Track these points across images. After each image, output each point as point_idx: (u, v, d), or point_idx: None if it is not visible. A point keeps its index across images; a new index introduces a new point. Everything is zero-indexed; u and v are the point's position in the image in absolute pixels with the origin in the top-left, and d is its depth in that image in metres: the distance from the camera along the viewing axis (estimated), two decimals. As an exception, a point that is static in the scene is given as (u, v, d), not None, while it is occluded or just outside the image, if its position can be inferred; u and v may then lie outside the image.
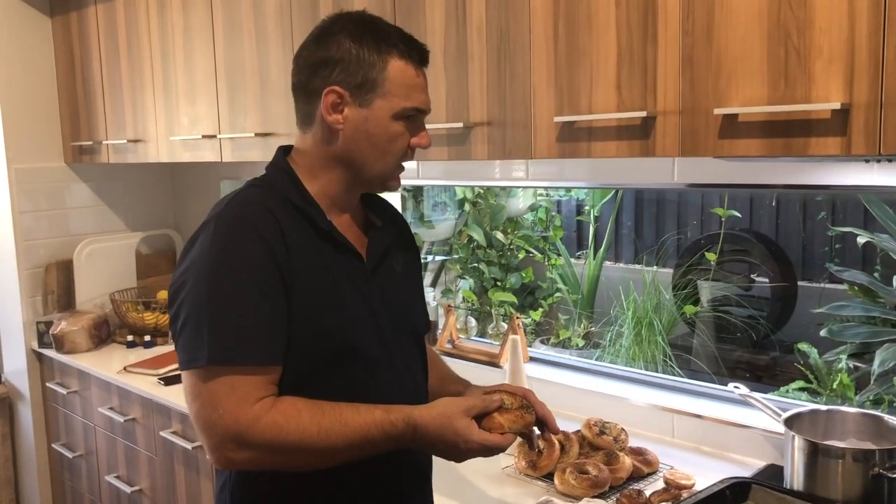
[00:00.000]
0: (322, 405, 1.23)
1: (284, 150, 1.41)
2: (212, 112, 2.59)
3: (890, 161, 1.53)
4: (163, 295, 3.31)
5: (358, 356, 1.32)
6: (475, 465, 1.72)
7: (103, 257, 3.37)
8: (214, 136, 2.59)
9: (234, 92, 2.50)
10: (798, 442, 1.60)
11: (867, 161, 1.59)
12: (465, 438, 1.24)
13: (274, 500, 1.33)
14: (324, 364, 1.29)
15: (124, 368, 2.84)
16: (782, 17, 1.31)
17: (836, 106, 1.25)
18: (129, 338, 3.17)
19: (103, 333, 3.22)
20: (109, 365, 2.93)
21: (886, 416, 1.66)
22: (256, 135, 2.41)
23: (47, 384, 3.25)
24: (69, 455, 3.15)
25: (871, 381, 3.25)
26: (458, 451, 1.26)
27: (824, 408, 1.75)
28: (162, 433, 2.59)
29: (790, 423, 1.66)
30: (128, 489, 2.81)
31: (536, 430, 1.40)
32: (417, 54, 1.34)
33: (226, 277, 1.22)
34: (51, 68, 3.32)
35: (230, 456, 1.21)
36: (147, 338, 3.15)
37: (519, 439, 1.37)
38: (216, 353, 1.19)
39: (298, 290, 1.25)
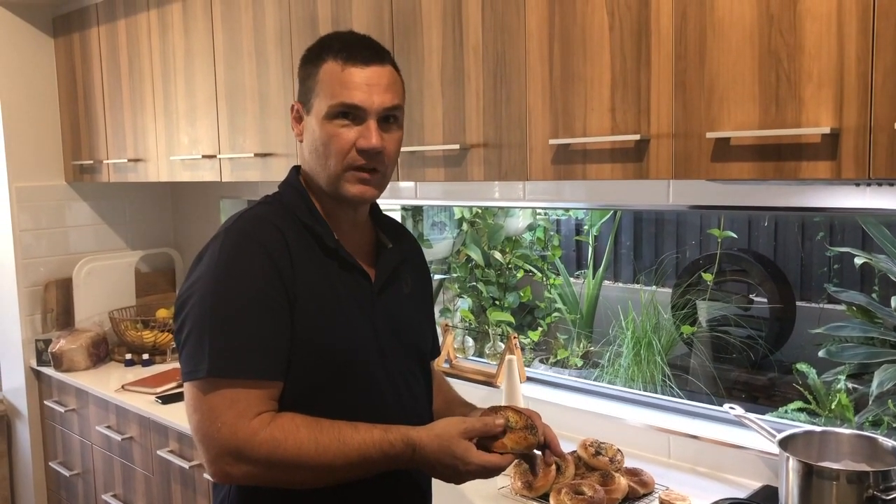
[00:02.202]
0: (321, 422, 1.23)
1: (298, 169, 1.43)
2: (212, 132, 2.61)
3: (880, 185, 1.55)
4: (162, 313, 3.32)
5: (358, 375, 1.33)
6: (472, 484, 1.71)
7: (103, 275, 3.39)
8: (214, 156, 2.61)
9: (234, 113, 2.52)
10: (792, 463, 1.60)
11: (857, 185, 1.61)
12: (464, 460, 1.24)
13: None
14: (324, 382, 1.30)
15: (122, 387, 2.84)
16: (773, 42, 1.33)
17: (826, 130, 1.27)
18: (128, 356, 3.17)
19: (102, 352, 3.22)
20: (107, 383, 2.93)
21: (881, 438, 1.66)
22: (256, 155, 2.43)
23: (45, 402, 3.25)
24: (66, 473, 3.14)
25: (870, 402, 3.25)
26: (457, 473, 1.26)
27: (819, 429, 1.76)
28: (159, 452, 2.58)
29: (784, 444, 1.66)
30: (124, 508, 2.81)
31: (538, 453, 1.39)
32: (352, 52, 1.31)
33: (230, 291, 1.24)
34: (53, 88, 3.35)
35: (227, 470, 1.21)
36: (145, 356, 3.15)
37: (517, 459, 1.36)
38: (217, 365, 1.20)
39: (301, 306, 1.27)
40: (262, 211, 1.35)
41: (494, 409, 1.35)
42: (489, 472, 1.26)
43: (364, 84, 1.30)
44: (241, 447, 1.19)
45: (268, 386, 1.24)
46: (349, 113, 1.30)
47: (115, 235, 3.56)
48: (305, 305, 1.27)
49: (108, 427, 2.85)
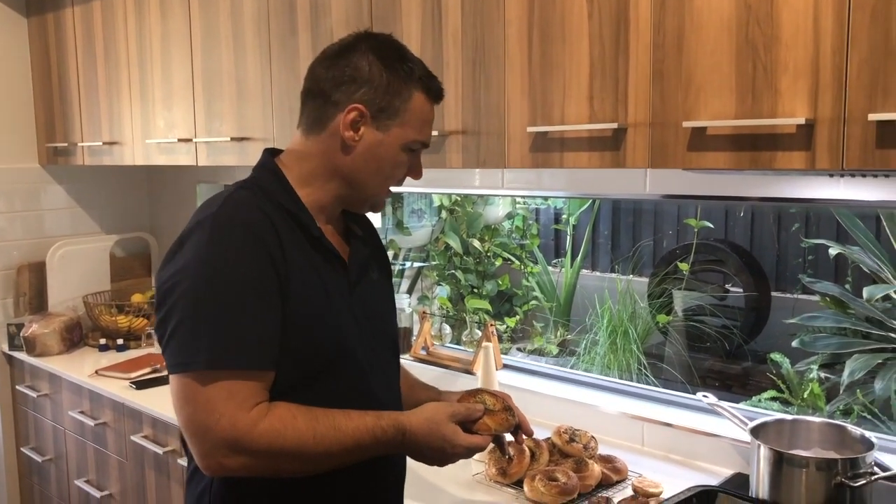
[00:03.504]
0: (315, 411, 1.24)
1: (272, 153, 1.40)
2: (188, 116, 2.59)
3: (853, 176, 1.56)
4: (137, 298, 3.30)
5: (346, 364, 1.33)
6: (446, 471, 1.72)
7: (77, 260, 3.35)
8: (190, 140, 2.59)
9: (211, 97, 2.50)
10: (763, 451, 1.62)
11: (831, 175, 1.62)
12: (452, 443, 1.30)
13: None
14: (315, 372, 1.29)
15: (96, 372, 2.82)
16: (750, 32, 1.34)
17: (801, 121, 1.28)
18: (102, 341, 3.15)
19: (75, 336, 3.19)
20: (81, 368, 2.90)
21: (850, 426, 1.68)
22: (232, 139, 2.41)
23: (17, 387, 3.22)
24: (38, 459, 3.11)
25: (841, 391, 3.30)
26: (445, 455, 1.31)
27: (790, 417, 1.78)
28: (133, 437, 2.57)
29: (756, 432, 1.68)
30: (97, 494, 2.79)
31: (508, 437, 1.44)
32: (436, 92, 1.37)
33: (224, 280, 1.20)
34: (26, 69, 3.29)
35: (223, 462, 1.19)
36: (120, 341, 3.13)
37: (491, 445, 1.39)
38: (214, 356, 1.18)
39: (293, 296, 1.25)
40: (245, 196, 1.30)
41: (470, 393, 1.42)
42: (473, 452, 1.34)
43: (433, 123, 1.41)
44: (240, 439, 1.18)
45: (263, 376, 1.22)
46: (418, 148, 1.38)
47: (90, 219, 3.52)
48: (296, 295, 1.25)
49: (82, 412, 2.82)
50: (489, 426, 1.35)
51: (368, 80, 1.30)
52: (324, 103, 1.33)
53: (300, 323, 1.26)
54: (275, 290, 1.23)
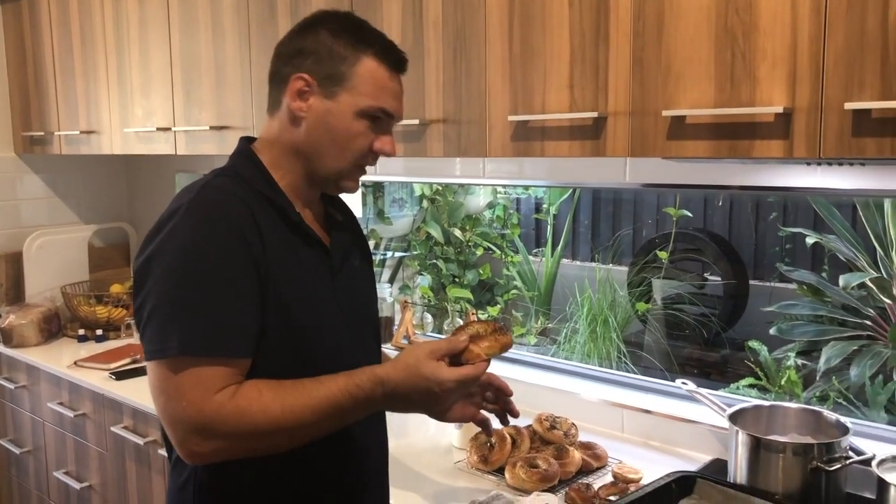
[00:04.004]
0: (283, 383, 1.20)
1: (248, 140, 1.39)
2: (167, 105, 2.56)
3: (830, 164, 1.58)
4: (116, 288, 3.27)
5: (328, 351, 1.32)
6: (427, 459, 1.73)
7: (55, 250, 3.31)
8: (169, 129, 2.56)
9: (190, 85, 2.47)
10: (741, 437, 1.64)
11: (809, 164, 1.64)
12: (437, 380, 1.20)
13: (241, 499, 1.31)
14: (295, 358, 1.28)
15: (75, 363, 2.79)
16: (729, 20, 1.35)
17: (779, 109, 1.29)
18: (81, 332, 3.12)
19: (54, 327, 3.16)
20: (59, 359, 2.87)
21: (825, 412, 1.71)
22: (212, 128, 2.39)
23: (-5, 379, 3.19)
24: (16, 451, 3.09)
25: (818, 378, 3.34)
26: (435, 396, 1.22)
27: (767, 403, 1.80)
28: (113, 429, 2.55)
29: (734, 418, 1.70)
30: (77, 485, 2.77)
31: (496, 423, 1.42)
32: (393, 58, 1.32)
33: (199, 267, 1.19)
34: (0, 56, 3.24)
35: (196, 449, 1.18)
36: (99, 332, 3.10)
37: (472, 434, 1.38)
38: (186, 343, 1.16)
39: (273, 283, 1.23)
40: (223, 183, 1.29)
41: (460, 329, 1.33)
42: (466, 384, 1.24)
43: (398, 93, 1.33)
44: (207, 424, 1.16)
45: (236, 363, 1.21)
46: (378, 117, 1.31)
47: (68, 209, 3.48)
48: (276, 282, 1.24)
49: (61, 403, 2.80)
50: (478, 353, 1.25)
51: (314, 51, 1.28)
52: (277, 82, 1.33)
53: (280, 310, 1.25)
54: (252, 278, 1.21)
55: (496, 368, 2.34)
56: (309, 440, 1.23)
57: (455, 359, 1.25)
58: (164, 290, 1.19)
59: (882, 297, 3.41)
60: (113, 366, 2.71)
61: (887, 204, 3.32)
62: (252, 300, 1.22)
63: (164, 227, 1.23)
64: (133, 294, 1.26)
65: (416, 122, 1.84)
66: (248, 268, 1.21)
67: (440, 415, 1.30)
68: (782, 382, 3.41)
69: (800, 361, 3.54)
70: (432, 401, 1.23)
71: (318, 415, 1.19)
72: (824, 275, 3.89)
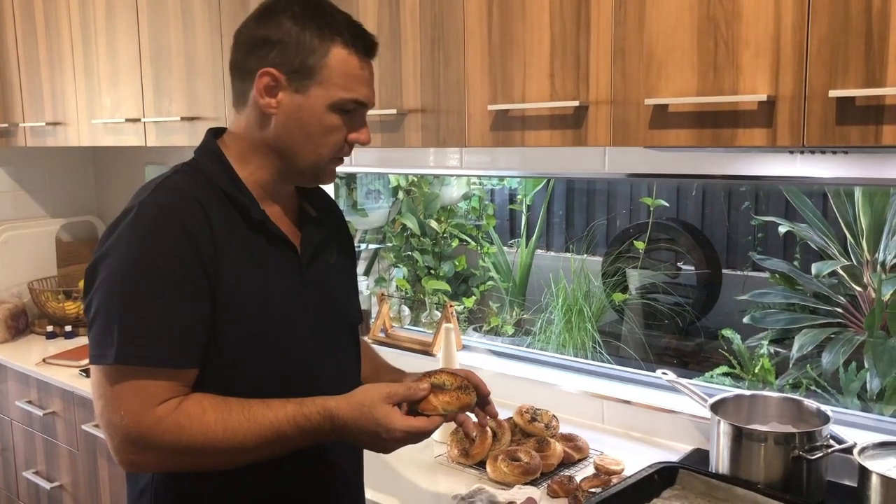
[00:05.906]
0: (230, 402, 1.18)
1: (215, 133, 1.34)
2: (136, 95, 2.50)
3: (812, 153, 1.57)
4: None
5: (289, 351, 1.28)
6: (408, 454, 1.71)
7: (21, 244, 3.24)
8: (138, 120, 2.51)
9: (160, 75, 2.42)
10: (723, 426, 1.64)
11: (791, 153, 1.63)
12: (387, 427, 1.18)
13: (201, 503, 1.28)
14: (254, 359, 1.24)
15: (43, 360, 2.73)
16: (711, 9, 1.33)
17: (763, 98, 1.28)
18: (49, 328, 3.05)
19: (21, 324, 3.09)
20: (27, 357, 2.81)
21: (806, 401, 1.71)
22: (182, 119, 2.34)
23: (-40, 377, 3.11)
24: (-16, 451, 3.02)
25: (791, 366, 3.37)
26: (382, 441, 1.20)
27: (748, 393, 1.80)
28: (84, 427, 2.50)
29: (716, 408, 1.70)
30: (47, 485, 2.71)
31: (473, 417, 1.36)
32: (363, 45, 1.27)
33: (142, 273, 1.15)
34: (-38, 46, 3.16)
35: (131, 459, 1.16)
36: (68, 328, 3.04)
37: (453, 425, 1.34)
38: (124, 352, 1.13)
39: (226, 287, 1.20)
40: (179, 181, 1.25)
41: (428, 374, 1.30)
42: (415, 436, 1.21)
43: (370, 80, 1.29)
44: (144, 436, 1.14)
45: (178, 375, 1.17)
46: (353, 108, 1.27)
47: (34, 203, 3.40)
48: (229, 286, 1.20)
49: (29, 402, 2.74)
50: (435, 406, 1.22)
51: (279, 41, 1.22)
52: (241, 74, 1.27)
53: (234, 313, 1.21)
54: (200, 285, 1.18)
55: (477, 360, 2.33)
56: (247, 462, 1.20)
57: (413, 405, 1.22)
58: (107, 293, 1.17)
59: (853, 284, 3.45)
60: (83, 362, 2.66)
61: (858, 192, 3.35)
62: (197, 307, 1.18)
63: (117, 227, 1.20)
64: (83, 293, 1.24)
65: (394, 111, 1.81)
66: (194, 273, 1.17)
67: (386, 452, 1.26)
68: (756, 370, 3.44)
69: (773, 349, 3.57)
70: (378, 444, 1.22)
71: (260, 441, 1.17)
72: (796, 263, 3.93)
